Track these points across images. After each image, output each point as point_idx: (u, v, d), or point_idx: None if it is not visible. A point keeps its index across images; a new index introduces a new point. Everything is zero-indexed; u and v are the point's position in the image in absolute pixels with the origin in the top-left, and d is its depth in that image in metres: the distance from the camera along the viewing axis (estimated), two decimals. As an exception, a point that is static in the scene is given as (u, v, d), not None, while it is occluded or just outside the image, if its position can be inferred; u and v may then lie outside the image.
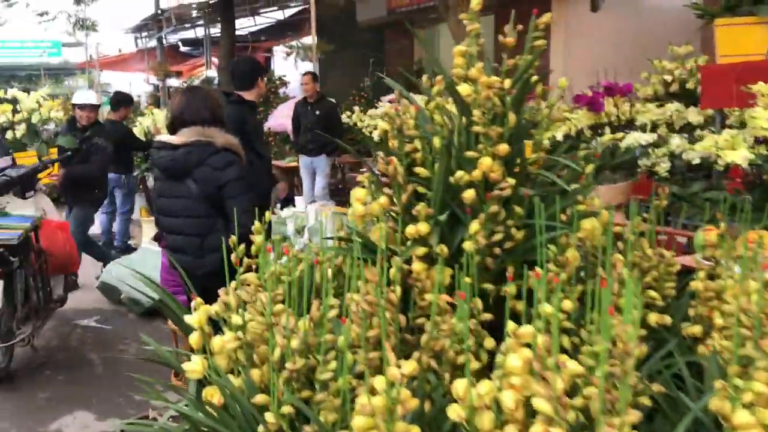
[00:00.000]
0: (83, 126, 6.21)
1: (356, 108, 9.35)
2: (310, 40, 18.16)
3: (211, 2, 13.95)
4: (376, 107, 9.41)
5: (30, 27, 21.39)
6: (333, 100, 7.76)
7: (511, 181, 1.63)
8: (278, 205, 6.80)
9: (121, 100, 7.38)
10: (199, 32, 17.39)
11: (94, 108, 6.45)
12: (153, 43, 17.27)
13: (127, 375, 4.08)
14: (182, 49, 18.89)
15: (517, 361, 1.19)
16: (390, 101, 9.62)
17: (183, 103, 3.13)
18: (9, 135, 8.30)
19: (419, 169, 1.74)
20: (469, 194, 1.64)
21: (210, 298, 1.64)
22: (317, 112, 7.45)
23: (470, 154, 1.66)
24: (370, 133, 8.44)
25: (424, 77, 1.95)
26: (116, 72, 21.30)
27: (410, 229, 1.62)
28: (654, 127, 4.20)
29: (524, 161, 1.76)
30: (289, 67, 19.03)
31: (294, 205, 7.01)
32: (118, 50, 23.40)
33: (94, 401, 3.84)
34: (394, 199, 1.75)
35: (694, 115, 4.30)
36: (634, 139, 3.53)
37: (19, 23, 24.24)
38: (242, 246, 1.75)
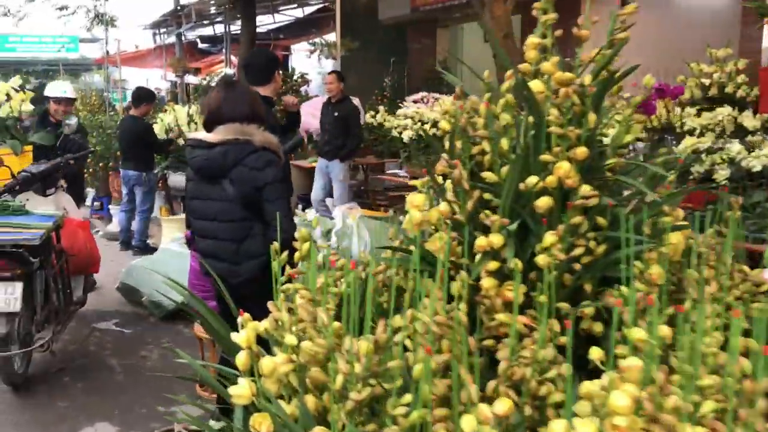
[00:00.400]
0: (57, 121, 5.91)
1: (380, 108, 9.16)
2: (332, 37, 18.09)
3: (231, -2, 13.85)
4: (400, 107, 9.26)
5: (49, 21, 21.34)
6: (356, 101, 7.51)
7: (587, 188, 1.47)
8: (300, 206, 6.65)
9: (143, 96, 7.27)
10: (218, 29, 17.31)
11: (71, 101, 6.22)
12: (171, 39, 17.21)
13: (150, 383, 4.01)
14: (200, 45, 18.81)
15: (623, 400, 1.04)
16: (414, 101, 9.49)
17: (220, 99, 2.97)
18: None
19: (487, 174, 1.58)
20: (544, 202, 1.48)
21: (246, 307, 1.49)
22: (336, 113, 7.16)
23: (546, 157, 1.50)
24: (400, 133, 8.26)
25: (485, 72, 1.78)
26: (133, 68, 21.25)
27: (481, 241, 1.46)
28: (701, 133, 4.00)
29: (602, 166, 1.59)
30: (312, 65, 18.95)
31: (311, 206, 6.87)
32: (135, 46, 23.41)
33: (116, 412, 3.68)
34: (456, 207, 1.59)
35: (749, 120, 4.10)
36: (690, 144, 3.34)
37: (39, 17, 24.14)
38: (285, 253, 1.60)
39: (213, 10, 15.61)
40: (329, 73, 7.58)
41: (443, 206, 1.60)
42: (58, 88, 6.20)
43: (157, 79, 19.65)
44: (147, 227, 7.39)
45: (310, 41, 14.12)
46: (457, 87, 1.72)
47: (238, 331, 1.40)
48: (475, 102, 1.65)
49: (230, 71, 14.16)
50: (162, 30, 16.90)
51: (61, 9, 15.35)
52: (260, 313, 1.45)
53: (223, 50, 19.84)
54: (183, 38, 16.49)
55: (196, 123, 7.62)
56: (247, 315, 1.43)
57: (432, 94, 9.55)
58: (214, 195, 2.93)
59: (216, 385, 1.61)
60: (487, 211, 1.54)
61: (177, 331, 4.96)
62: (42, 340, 3.81)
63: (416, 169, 6.19)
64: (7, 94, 4.88)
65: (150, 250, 7.36)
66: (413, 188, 1.71)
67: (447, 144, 1.67)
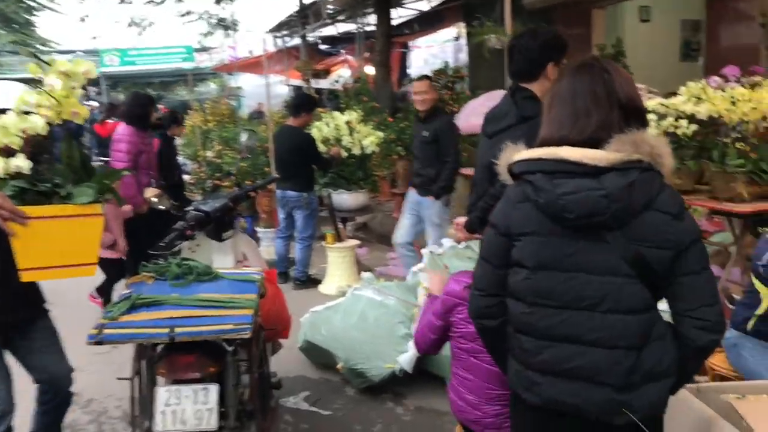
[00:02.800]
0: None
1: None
2: (451, 32, 16.73)
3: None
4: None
5: (172, 30, 21.12)
6: (449, 115, 5.91)
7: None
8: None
9: (303, 103, 6.16)
10: (340, 28, 16.29)
11: None
12: (292, 42, 16.35)
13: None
14: (321, 46, 17.90)
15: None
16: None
17: (587, 87, 1.71)
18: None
19: None
20: None
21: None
22: (424, 133, 5.36)
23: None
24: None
25: None
26: (249, 74, 20.64)
27: None
28: None
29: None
30: (430, 61, 17.70)
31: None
32: (249, 52, 22.87)
33: None
34: None
35: None
36: None
37: (162, 26, 24.14)
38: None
39: (332, 8, 14.61)
40: (419, 79, 5.65)
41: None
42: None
43: (276, 85, 18.90)
44: (309, 256, 6.27)
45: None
46: None
47: None
48: None
49: (345, 72, 13.07)
50: (284, 32, 16.03)
51: (183, 15, 14.73)
52: None
53: (341, 50, 19.03)
54: (306, 39, 15.58)
55: (358, 132, 6.45)
56: None
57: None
58: (595, 262, 1.66)
59: None
60: None
61: (387, 410, 3.75)
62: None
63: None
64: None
65: (312, 282, 6.26)
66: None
67: None
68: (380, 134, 6.67)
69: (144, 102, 5.45)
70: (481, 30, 8.04)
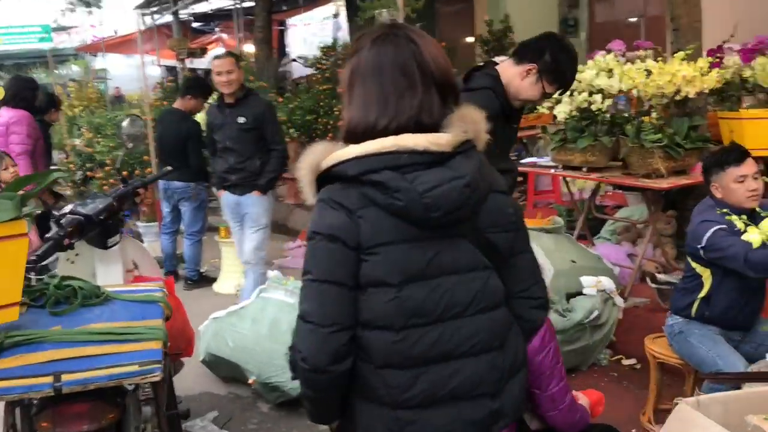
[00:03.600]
0: None
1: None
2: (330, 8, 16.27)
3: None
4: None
5: (26, 6, 19.31)
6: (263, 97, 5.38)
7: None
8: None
9: (192, 87, 5.55)
10: (214, 4, 15.40)
11: None
12: (162, 19, 15.28)
13: None
14: (194, 24, 16.90)
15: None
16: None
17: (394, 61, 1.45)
18: None
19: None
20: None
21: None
22: (240, 120, 4.56)
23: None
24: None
25: None
26: (117, 55, 19.26)
27: None
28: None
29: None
30: (310, 41, 17.13)
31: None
32: (114, 32, 21.33)
33: None
34: None
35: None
36: None
37: (15, 1, 22.09)
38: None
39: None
40: (221, 57, 4.59)
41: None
42: None
43: (147, 66, 17.69)
44: (200, 252, 5.72)
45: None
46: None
47: None
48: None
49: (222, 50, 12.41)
50: (153, 9, 14.95)
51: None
52: None
53: (215, 29, 18.07)
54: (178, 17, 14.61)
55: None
56: None
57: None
58: (458, 262, 1.45)
59: None
60: None
61: (309, 426, 3.35)
62: None
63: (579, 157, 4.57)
64: None
65: (206, 280, 5.73)
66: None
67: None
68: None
69: (32, 85, 5.16)
70: (371, 4, 7.68)
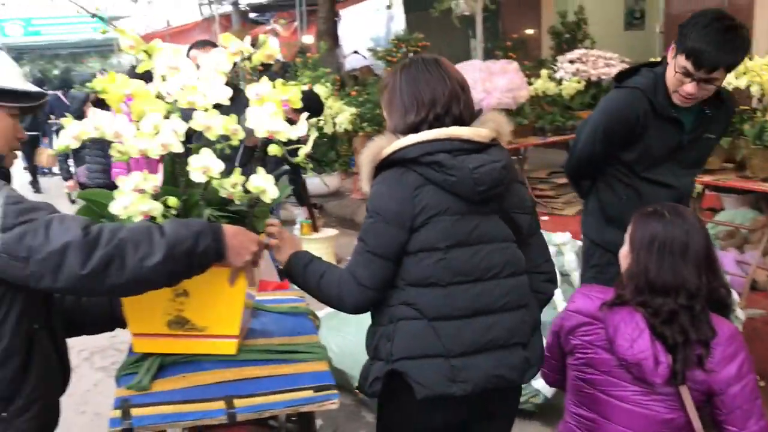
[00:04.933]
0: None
1: (543, 72, 7.13)
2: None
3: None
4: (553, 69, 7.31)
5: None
6: None
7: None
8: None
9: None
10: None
11: None
12: (221, 9, 15.27)
13: None
14: (251, 15, 16.86)
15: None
16: (571, 61, 7.58)
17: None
18: None
19: None
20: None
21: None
22: None
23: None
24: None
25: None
26: (176, 45, 19.31)
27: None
28: None
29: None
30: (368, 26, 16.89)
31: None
32: (166, 23, 21.40)
33: None
34: None
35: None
36: None
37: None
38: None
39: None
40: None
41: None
42: None
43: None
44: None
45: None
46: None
47: None
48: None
49: (308, 40, 12.32)
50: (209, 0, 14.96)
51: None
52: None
53: (270, 20, 18.00)
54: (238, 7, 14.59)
55: (329, 108, 5.78)
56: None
57: (591, 52, 7.60)
58: (492, 232, 1.79)
59: None
60: None
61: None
62: None
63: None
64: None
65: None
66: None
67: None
68: (353, 110, 6.03)
69: None
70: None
